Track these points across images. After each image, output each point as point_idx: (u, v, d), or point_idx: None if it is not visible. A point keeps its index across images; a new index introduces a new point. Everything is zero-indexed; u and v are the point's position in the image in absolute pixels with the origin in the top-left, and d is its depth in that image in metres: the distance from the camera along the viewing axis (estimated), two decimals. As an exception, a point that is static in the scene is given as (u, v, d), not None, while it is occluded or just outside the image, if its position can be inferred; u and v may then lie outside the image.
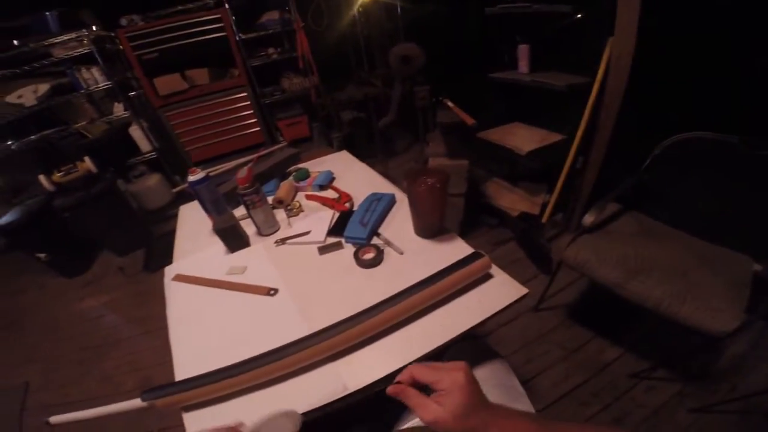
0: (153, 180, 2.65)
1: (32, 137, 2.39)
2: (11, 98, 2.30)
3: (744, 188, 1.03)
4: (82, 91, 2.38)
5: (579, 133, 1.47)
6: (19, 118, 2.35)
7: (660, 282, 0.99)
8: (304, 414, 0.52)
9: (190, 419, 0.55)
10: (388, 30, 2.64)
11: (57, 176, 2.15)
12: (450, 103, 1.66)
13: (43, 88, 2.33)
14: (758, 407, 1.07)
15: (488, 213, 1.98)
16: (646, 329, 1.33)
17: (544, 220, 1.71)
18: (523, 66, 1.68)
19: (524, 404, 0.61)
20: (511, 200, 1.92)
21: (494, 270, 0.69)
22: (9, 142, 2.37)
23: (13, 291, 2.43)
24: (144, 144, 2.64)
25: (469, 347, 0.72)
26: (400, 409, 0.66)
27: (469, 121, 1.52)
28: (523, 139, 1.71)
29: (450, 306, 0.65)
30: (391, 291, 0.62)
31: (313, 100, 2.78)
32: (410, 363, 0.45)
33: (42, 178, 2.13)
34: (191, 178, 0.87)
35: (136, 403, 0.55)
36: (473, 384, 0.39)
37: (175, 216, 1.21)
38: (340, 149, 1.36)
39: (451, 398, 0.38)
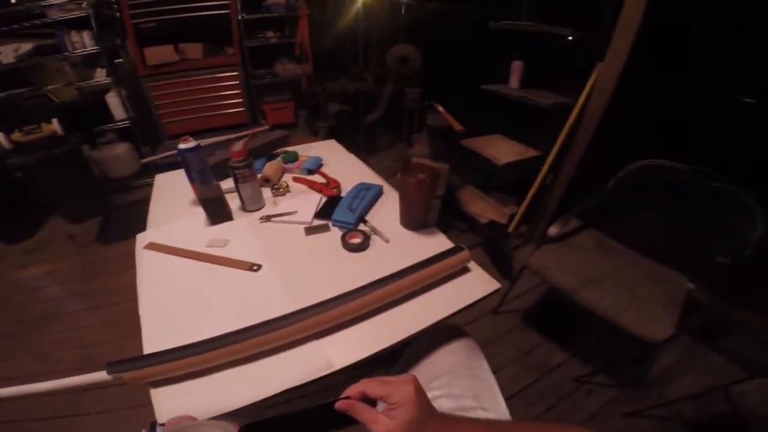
0: (121, 149, 2.52)
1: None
2: None
3: (690, 215, 1.16)
4: (66, 54, 2.26)
5: (554, 151, 1.57)
6: None
7: (609, 292, 1.11)
8: (287, 391, 0.51)
9: (159, 396, 0.52)
10: (388, 29, 2.68)
11: (17, 135, 2.02)
12: (441, 108, 1.71)
13: (26, 47, 2.19)
14: (680, 414, 1.19)
15: (459, 218, 2.06)
16: (593, 337, 1.44)
17: (510, 230, 1.81)
18: (515, 81, 1.77)
19: (494, 394, 0.63)
20: (482, 208, 2.01)
21: (471, 264, 0.74)
22: None
23: None
24: (118, 112, 2.50)
25: (441, 328, 0.75)
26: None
27: (458, 127, 1.59)
28: (501, 150, 1.80)
29: (430, 294, 0.69)
30: (376, 275, 0.65)
31: (304, 87, 2.76)
32: (379, 351, 0.51)
33: (0, 136, 1.99)
34: (182, 145, 0.86)
35: (101, 375, 0.50)
36: (422, 396, 0.41)
37: (139, 187, 1.17)
38: (324, 139, 1.37)
39: (402, 411, 0.39)
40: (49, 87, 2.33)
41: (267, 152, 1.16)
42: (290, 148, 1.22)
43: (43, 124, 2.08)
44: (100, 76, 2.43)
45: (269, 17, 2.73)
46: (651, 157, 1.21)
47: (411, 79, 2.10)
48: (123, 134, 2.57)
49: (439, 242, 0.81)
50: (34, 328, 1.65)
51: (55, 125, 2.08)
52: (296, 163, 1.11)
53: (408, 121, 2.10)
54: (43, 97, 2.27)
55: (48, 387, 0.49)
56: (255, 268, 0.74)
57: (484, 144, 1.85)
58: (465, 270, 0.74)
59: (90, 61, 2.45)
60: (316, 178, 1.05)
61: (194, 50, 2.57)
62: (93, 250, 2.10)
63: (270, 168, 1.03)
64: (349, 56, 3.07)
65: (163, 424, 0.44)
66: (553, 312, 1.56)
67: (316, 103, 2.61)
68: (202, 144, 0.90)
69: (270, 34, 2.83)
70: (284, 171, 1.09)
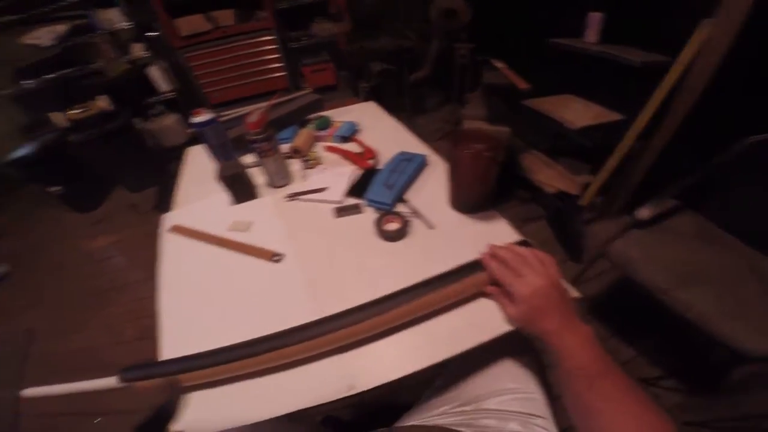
0: (170, 119, 2.57)
1: (49, 76, 2.32)
2: (28, 39, 2.22)
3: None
4: (100, 32, 2.28)
5: (645, 115, 1.27)
6: (40, 59, 2.29)
7: (707, 294, 0.87)
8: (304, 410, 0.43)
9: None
10: None
11: (72, 113, 2.11)
12: (500, 64, 1.45)
13: (61, 29, 2.23)
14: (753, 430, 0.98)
15: (521, 186, 1.81)
16: (665, 334, 1.22)
17: (584, 202, 1.54)
18: (591, 35, 1.45)
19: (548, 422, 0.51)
20: (549, 176, 1.74)
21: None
22: (28, 81, 2.32)
23: (26, 226, 2.47)
24: (162, 84, 2.53)
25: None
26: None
27: (522, 85, 1.33)
28: (576, 113, 1.51)
29: (483, 301, 0.52)
30: (416, 273, 0.51)
31: (342, 47, 2.56)
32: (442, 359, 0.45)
33: (55, 115, 2.11)
34: (196, 119, 0.76)
35: (112, 382, 0.48)
36: (540, 294, 0.43)
37: None
38: (365, 100, 1.21)
39: (520, 305, 0.44)
40: (96, 64, 2.39)
41: (299, 119, 1.04)
42: (325, 113, 1.08)
43: (93, 101, 2.15)
44: (138, 50, 2.43)
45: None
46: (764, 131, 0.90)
47: (460, 33, 1.82)
48: (170, 105, 2.61)
49: (500, 231, 0.64)
50: (102, 300, 1.77)
51: (104, 101, 2.14)
52: (329, 130, 0.97)
53: (459, 80, 1.85)
54: (92, 75, 2.34)
55: (64, 390, 0.48)
56: (276, 258, 0.64)
57: (555, 105, 1.56)
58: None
59: (127, 37, 2.46)
60: (351, 146, 0.90)
61: (226, 17, 2.45)
62: (153, 218, 2.19)
63: (300, 137, 0.91)
64: (388, 12, 2.78)
65: None
66: (626, 302, 1.33)
67: (356, 63, 2.41)
68: (224, 116, 0.79)
69: None
70: (316, 139, 0.96)
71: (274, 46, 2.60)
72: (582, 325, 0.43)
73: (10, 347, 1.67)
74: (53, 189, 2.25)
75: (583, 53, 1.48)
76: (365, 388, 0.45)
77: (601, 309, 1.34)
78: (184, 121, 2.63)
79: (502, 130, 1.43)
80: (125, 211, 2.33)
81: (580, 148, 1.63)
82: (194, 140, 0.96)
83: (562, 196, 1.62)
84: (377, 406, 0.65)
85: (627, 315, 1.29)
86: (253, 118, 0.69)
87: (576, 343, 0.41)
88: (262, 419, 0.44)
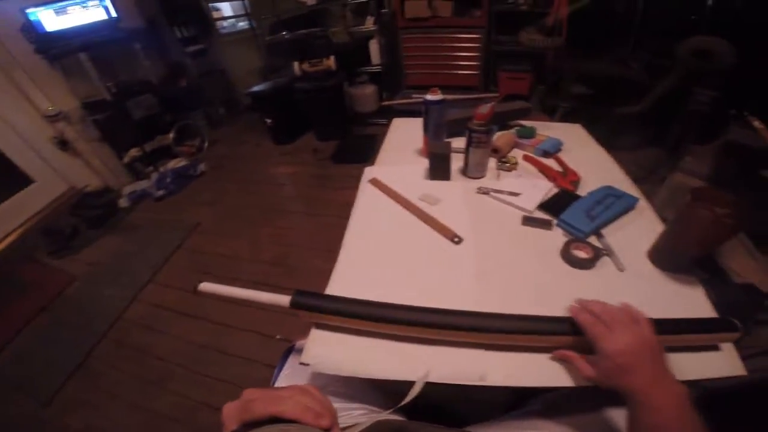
0: (370, 89, 2.93)
1: (301, 31, 2.90)
2: None
3: None
4: (349, 1, 2.74)
5: None
6: (293, 16, 2.89)
7: None
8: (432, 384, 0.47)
9: (316, 338, 0.55)
10: (681, 13, 1.99)
11: (306, 65, 2.61)
12: (759, 124, 1.19)
13: None
14: None
15: (700, 264, 1.47)
16: None
17: None
18: None
19: None
20: (746, 266, 1.36)
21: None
22: (284, 33, 2.96)
23: (236, 141, 3.18)
24: (376, 57, 2.89)
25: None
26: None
27: (780, 150, 1.07)
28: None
29: None
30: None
31: (549, 61, 2.46)
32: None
33: (296, 64, 2.63)
34: (430, 96, 0.87)
35: (283, 300, 0.53)
36: (629, 352, 0.41)
37: (372, 125, 1.29)
38: (559, 121, 1.16)
39: (604, 361, 0.43)
40: (332, 30, 2.88)
41: (501, 122, 1.08)
42: (527, 123, 1.09)
43: (323, 59, 2.61)
44: (369, 24, 2.80)
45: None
46: None
47: (709, 78, 1.52)
48: (373, 77, 2.97)
49: (694, 300, 0.57)
50: (262, 218, 2.14)
51: (332, 61, 2.59)
52: (531, 141, 0.98)
53: (683, 128, 1.57)
54: (326, 38, 2.83)
55: (237, 294, 0.55)
56: (456, 240, 0.71)
57: (812, 186, 1.20)
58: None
59: (362, 10, 2.85)
60: (551, 163, 0.90)
61: (445, 7, 2.62)
62: (325, 165, 2.61)
63: (502, 138, 0.95)
64: (614, 37, 2.49)
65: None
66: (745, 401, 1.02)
67: (558, 80, 2.29)
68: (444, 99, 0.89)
69: (521, 0, 2.58)
70: (515, 145, 0.99)
71: (478, 45, 2.68)
72: (676, 385, 0.40)
73: (174, 234, 2.05)
74: (268, 120, 2.87)
75: None
76: (495, 384, 0.48)
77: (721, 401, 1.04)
78: (378, 93, 2.98)
79: (726, 197, 1.18)
80: (307, 152, 2.81)
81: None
82: (381, 112, 1.08)
83: (749, 288, 1.27)
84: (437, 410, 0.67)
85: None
86: (483, 110, 0.76)
87: (664, 401, 0.39)
88: (386, 378, 0.49)
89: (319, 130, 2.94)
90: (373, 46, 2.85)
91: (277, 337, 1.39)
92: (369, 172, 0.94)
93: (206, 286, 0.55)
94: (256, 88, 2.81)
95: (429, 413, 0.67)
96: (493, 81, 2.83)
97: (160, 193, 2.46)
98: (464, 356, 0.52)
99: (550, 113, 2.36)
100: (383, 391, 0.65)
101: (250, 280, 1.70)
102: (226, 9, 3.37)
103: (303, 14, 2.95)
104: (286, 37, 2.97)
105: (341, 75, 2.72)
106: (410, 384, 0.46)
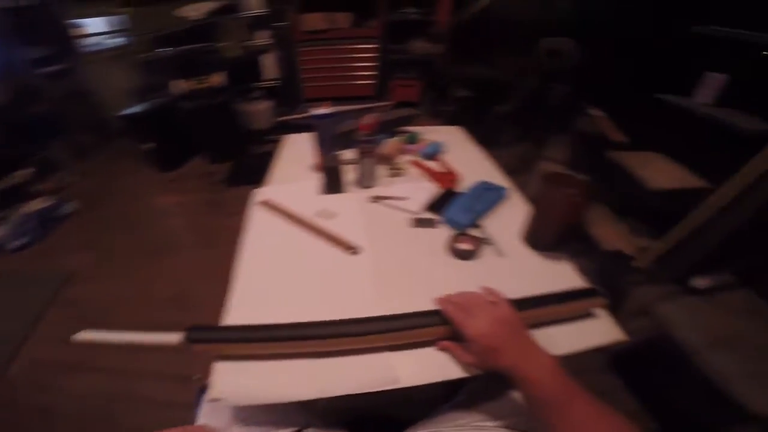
0: (264, 105, 2.83)
1: (183, 47, 2.66)
2: (182, 11, 2.58)
3: None
4: (239, 15, 2.59)
5: (735, 188, 1.19)
6: (175, 31, 2.63)
7: (741, 359, 0.90)
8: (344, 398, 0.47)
9: (221, 369, 0.51)
10: (538, 17, 2.36)
11: (191, 83, 2.42)
12: (597, 113, 1.44)
13: (214, 5, 2.59)
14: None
15: (576, 236, 1.73)
16: (673, 393, 1.15)
17: (642, 265, 1.46)
18: (705, 95, 1.40)
19: None
20: (610, 233, 1.67)
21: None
22: (165, 49, 2.69)
23: (108, 173, 2.76)
24: (270, 72, 2.80)
25: None
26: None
27: (618, 137, 1.31)
28: (657, 173, 1.45)
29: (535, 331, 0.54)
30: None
31: (436, 68, 2.67)
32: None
33: (174, 82, 2.40)
34: (322, 110, 0.86)
35: (174, 338, 0.50)
36: (489, 333, 0.44)
37: (269, 142, 1.24)
38: (447, 123, 1.27)
39: (472, 346, 0.46)
40: (221, 44, 2.71)
41: (389, 129, 1.12)
42: (412, 129, 1.16)
43: (209, 76, 2.44)
44: (261, 37, 2.72)
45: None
46: None
47: (561, 75, 1.82)
48: (268, 93, 2.88)
49: (565, 275, 0.66)
50: (150, 256, 1.89)
51: (219, 77, 2.42)
52: (416, 146, 1.04)
53: (545, 121, 1.84)
54: (216, 53, 2.66)
55: (123, 339, 0.51)
56: (353, 250, 0.71)
57: (639, 161, 1.51)
58: (589, 314, 0.58)
59: (255, 24, 2.75)
60: (435, 165, 0.97)
61: (344, 19, 2.67)
62: (218, 189, 2.41)
63: (390, 146, 0.99)
64: (486, 41, 2.83)
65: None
66: (643, 358, 1.27)
67: (446, 86, 2.49)
68: (334, 112, 0.89)
69: (411, 9, 2.78)
70: (403, 151, 1.03)
71: (374, 55, 2.79)
72: (543, 355, 0.43)
73: (42, 288, 1.72)
74: (146, 145, 2.55)
75: (687, 113, 1.43)
76: (409, 385, 0.49)
77: (618, 361, 1.28)
78: (274, 109, 2.89)
79: (581, 178, 1.41)
80: (198, 177, 2.57)
81: (647, 210, 1.55)
82: (279, 128, 1.07)
83: (616, 255, 1.55)
84: (383, 418, 0.68)
85: (641, 370, 1.24)
86: (367, 121, 0.78)
87: (538, 374, 0.41)
88: (301, 399, 0.47)
89: (211, 151, 2.72)
90: (268, 61, 2.77)
91: (195, 377, 1.25)
92: (258, 193, 0.90)
93: (84, 335, 0.51)
94: (130, 110, 2.49)
95: (377, 423, 0.66)
96: (387, 89, 2.97)
97: (19, 242, 2.01)
98: (375, 362, 0.52)
99: (438, 117, 2.55)
100: (310, 410, 0.62)
101: (147, 324, 1.49)
102: (96, 25, 2.94)
103: (189, 29, 2.71)
104: (167, 53, 2.70)
105: (231, 91, 2.58)
106: (336, 398, 0.45)
